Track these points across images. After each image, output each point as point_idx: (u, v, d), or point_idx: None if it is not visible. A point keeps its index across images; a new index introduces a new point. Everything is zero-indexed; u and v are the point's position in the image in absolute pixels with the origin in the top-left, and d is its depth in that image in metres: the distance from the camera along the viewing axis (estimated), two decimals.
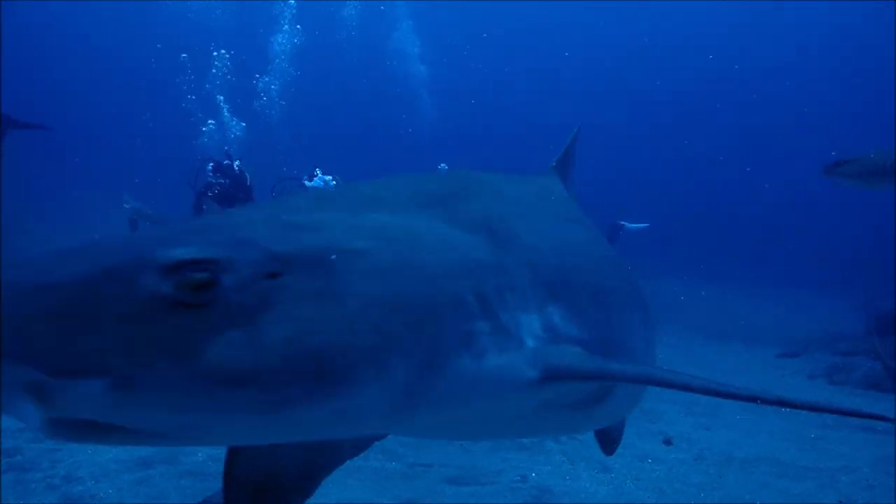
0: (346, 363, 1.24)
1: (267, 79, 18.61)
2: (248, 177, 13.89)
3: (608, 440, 3.28)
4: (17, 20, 28.88)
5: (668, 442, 5.59)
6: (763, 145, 31.71)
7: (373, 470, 4.61)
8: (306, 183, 13.55)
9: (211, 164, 13.99)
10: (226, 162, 13.83)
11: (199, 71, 19.12)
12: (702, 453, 5.50)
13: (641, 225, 14.28)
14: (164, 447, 4.55)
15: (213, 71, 18.73)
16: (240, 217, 1.51)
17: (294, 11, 20.55)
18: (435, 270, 1.47)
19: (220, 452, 2.02)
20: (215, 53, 18.98)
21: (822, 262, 20.73)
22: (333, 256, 1.32)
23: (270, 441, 1.61)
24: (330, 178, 13.55)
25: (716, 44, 31.94)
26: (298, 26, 20.24)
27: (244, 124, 17.42)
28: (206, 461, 4.47)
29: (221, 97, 17.97)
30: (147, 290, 1.10)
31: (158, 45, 23.04)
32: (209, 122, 16.96)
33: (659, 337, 10.88)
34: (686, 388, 1.62)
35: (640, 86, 33.74)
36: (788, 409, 6.01)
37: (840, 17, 31.02)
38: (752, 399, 1.57)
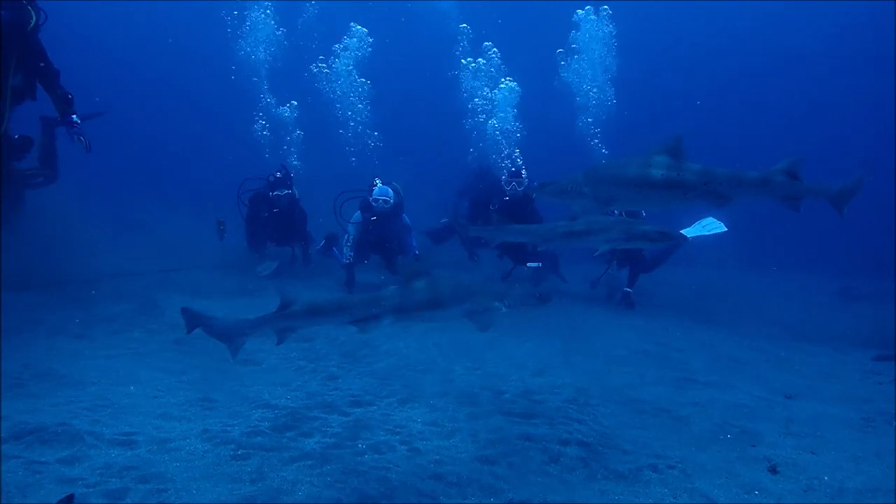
0: None
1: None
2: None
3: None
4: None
5: (773, 470, 5.28)
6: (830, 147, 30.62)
7: None
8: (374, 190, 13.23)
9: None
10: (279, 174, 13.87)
11: None
12: (811, 483, 5.17)
13: (714, 230, 12.94)
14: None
15: None
16: None
17: None
18: None
19: None
20: None
21: None
22: None
23: None
24: (389, 190, 13.12)
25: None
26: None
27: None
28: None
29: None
30: None
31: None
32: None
33: (741, 339, 10.28)
34: None
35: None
36: None
37: None
38: None
